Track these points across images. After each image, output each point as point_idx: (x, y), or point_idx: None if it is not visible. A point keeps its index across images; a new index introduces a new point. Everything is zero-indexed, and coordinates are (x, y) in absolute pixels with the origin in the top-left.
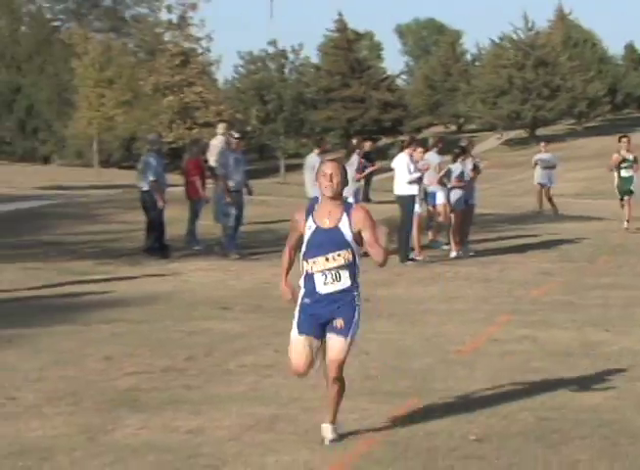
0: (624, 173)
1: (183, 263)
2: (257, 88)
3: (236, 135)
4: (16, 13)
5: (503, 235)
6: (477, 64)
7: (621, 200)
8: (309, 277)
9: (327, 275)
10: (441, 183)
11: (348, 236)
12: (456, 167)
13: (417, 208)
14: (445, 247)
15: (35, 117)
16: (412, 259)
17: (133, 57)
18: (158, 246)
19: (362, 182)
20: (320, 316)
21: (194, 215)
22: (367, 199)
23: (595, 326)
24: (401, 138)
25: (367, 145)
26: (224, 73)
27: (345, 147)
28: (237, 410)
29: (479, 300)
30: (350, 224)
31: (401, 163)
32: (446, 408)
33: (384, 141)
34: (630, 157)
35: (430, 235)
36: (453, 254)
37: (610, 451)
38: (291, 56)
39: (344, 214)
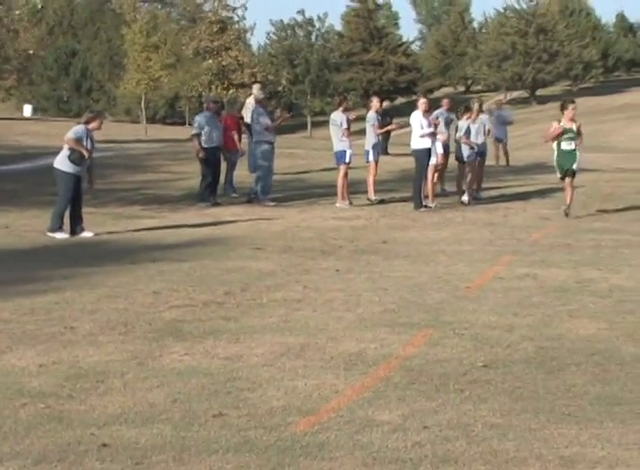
0: (566, 146)
1: (220, 209)
2: (287, 53)
3: (262, 96)
4: None
5: (506, 185)
6: (483, 31)
7: (562, 178)
8: None
9: None
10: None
11: None
12: (462, 125)
13: (433, 159)
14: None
15: (89, 78)
16: (426, 206)
17: (176, 24)
18: (207, 193)
19: (381, 137)
20: None
21: (231, 166)
22: (386, 152)
23: (589, 265)
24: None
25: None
26: (258, 40)
27: (365, 106)
28: (270, 339)
29: (484, 242)
30: None
31: (415, 119)
32: (456, 338)
33: (400, 100)
34: (573, 127)
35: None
36: (465, 198)
37: (601, 376)
38: (317, 24)
39: None
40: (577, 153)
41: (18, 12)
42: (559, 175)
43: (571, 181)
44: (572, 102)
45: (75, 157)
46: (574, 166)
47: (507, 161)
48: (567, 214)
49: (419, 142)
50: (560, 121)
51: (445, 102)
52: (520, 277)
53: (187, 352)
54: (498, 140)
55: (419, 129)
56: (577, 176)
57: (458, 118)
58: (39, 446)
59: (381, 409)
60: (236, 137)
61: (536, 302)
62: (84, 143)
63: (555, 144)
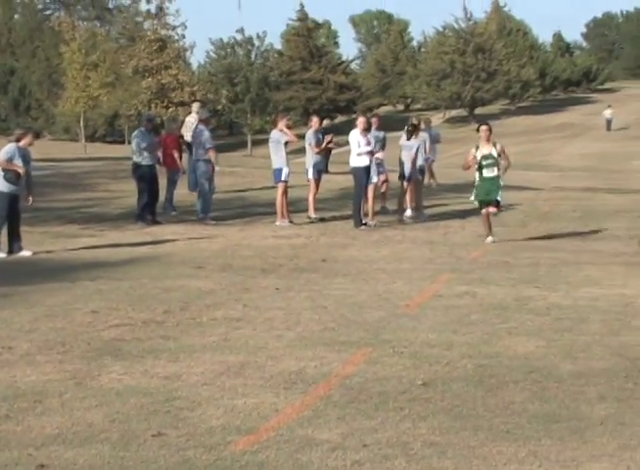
0: (487, 173)
1: (160, 228)
2: (227, 71)
3: (205, 115)
4: (10, 2)
5: (446, 203)
6: (422, 50)
7: (481, 207)
8: None
9: None
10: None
11: None
12: (412, 144)
13: (374, 178)
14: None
15: (28, 96)
16: (365, 225)
17: (116, 43)
18: (146, 213)
19: (321, 155)
20: None
21: (172, 185)
22: (326, 170)
23: (527, 283)
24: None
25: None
26: (197, 58)
27: (306, 124)
28: (209, 358)
29: (424, 260)
30: None
31: (354, 137)
32: (396, 356)
33: (339, 119)
34: (493, 151)
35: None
36: (408, 214)
37: (539, 394)
38: (256, 42)
39: None
40: (501, 181)
41: None
42: (475, 202)
43: (490, 213)
44: (485, 124)
45: (10, 176)
46: (498, 197)
47: (433, 177)
48: (494, 241)
49: (357, 160)
50: (478, 147)
51: (374, 120)
52: (459, 295)
53: (126, 372)
54: (426, 159)
55: (357, 148)
56: (517, 194)
57: (407, 138)
58: None
59: (320, 428)
60: (176, 156)
61: (475, 319)
62: (17, 161)
63: (476, 171)
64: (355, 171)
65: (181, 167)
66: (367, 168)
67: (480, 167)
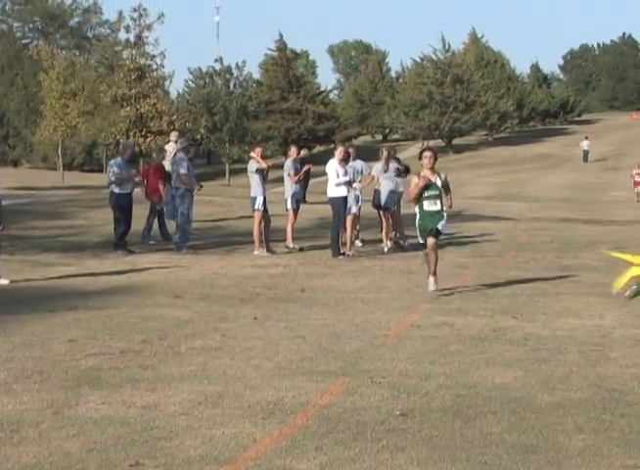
0: (429, 206)
1: (138, 257)
2: (206, 101)
3: (185, 144)
4: None
5: None
6: (400, 80)
7: (424, 244)
8: None
9: None
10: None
11: None
12: (389, 175)
13: (353, 208)
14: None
15: (6, 124)
16: (343, 254)
17: (94, 71)
18: (123, 241)
19: (299, 185)
20: None
21: (154, 214)
22: (304, 200)
23: (505, 314)
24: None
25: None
26: (176, 87)
27: (284, 154)
28: (187, 388)
29: (402, 290)
30: None
31: (332, 167)
32: (374, 387)
33: (318, 149)
34: (438, 181)
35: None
36: (386, 248)
37: (517, 425)
38: (235, 72)
39: None
40: (444, 214)
41: None
42: (420, 240)
43: (434, 244)
44: (429, 149)
45: None
46: (439, 225)
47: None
48: (437, 289)
49: (335, 190)
50: (419, 175)
51: (351, 151)
52: (437, 325)
53: (104, 401)
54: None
55: (335, 178)
56: (494, 224)
57: (385, 170)
58: None
59: (298, 458)
60: (161, 186)
61: (453, 350)
62: None
63: (417, 205)
64: (334, 201)
65: (164, 198)
66: (345, 198)
67: (421, 199)
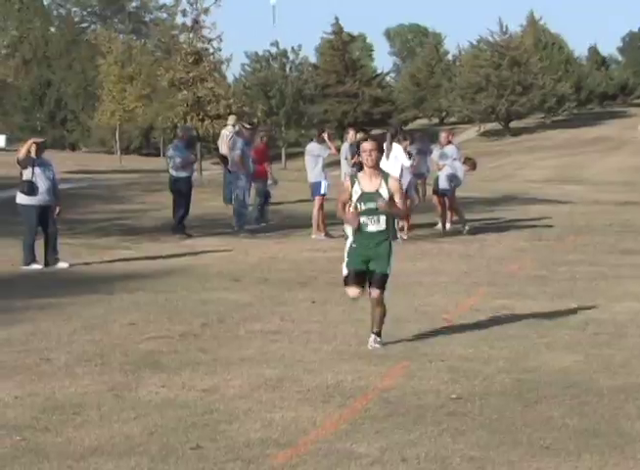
0: (370, 226)
1: (196, 240)
2: (262, 85)
3: (247, 126)
4: (47, 16)
5: (482, 216)
6: (457, 63)
7: (347, 282)
8: None
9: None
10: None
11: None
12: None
13: (411, 193)
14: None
15: (63, 108)
16: (397, 238)
17: (151, 56)
18: (182, 225)
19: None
20: None
21: (260, 196)
22: None
23: (564, 298)
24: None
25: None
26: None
27: (340, 137)
28: (246, 371)
29: (461, 273)
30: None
31: (398, 151)
32: (433, 370)
33: (374, 132)
34: (383, 189)
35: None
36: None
37: (579, 409)
38: (291, 56)
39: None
40: (389, 242)
41: None
42: (344, 271)
43: (378, 298)
44: (370, 140)
45: (24, 187)
46: (387, 269)
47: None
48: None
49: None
50: (354, 180)
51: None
52: (496, 309)
53: (164, 384)
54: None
55: (398, 162)
56: (553, 208)
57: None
58: None
59: (359, 442)
60: (266, 165)
61: (512, 333)
62: (32, 173)
63: (347, 228)
64: None
65: (271, 178)
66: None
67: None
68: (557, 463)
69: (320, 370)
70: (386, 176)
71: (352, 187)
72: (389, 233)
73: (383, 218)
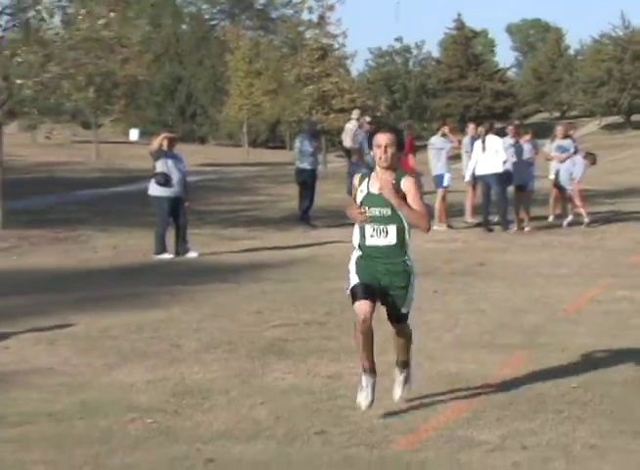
0: (374, 239)
1: (321, 231)
2: (385, 79)
3: (368, 119)
4: (178, 13)
5: (602, 208)
6: (579, 58)
7: (354, 299)
8: None
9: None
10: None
11: None
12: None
13: (530, 184)
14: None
15: (193, 103)
16: (508, 228)
17: (278, 52)
18: (306, 216)
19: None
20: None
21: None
22: None
23: None
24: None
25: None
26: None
27: (462, 130)
28: None
29: (581, 265)
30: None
31: (505, 144)
32: (553, 360)
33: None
34: (386, 191)
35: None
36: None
37: None
38: (414, 51)
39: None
40: (407, 259)
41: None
42: (347, 291)
43: (399, 328)
44: (388, 130)
45: (159, 178)
46: (405, 309)
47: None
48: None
49: (499, 166)
50: (365, 178)
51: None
52: (617, 300)
53: (289, 371)
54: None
55: (503, 154)
56: None
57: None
58: (147, 459)
59: (480, 429)
60: (410, 157)
61: (634, 324)
62: (166, 165)
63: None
64: (496, 177)
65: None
66: (506, 174)
67: (361, 228)
68: None
69: (441, 358)
70: (400, 177)
71: (360, 185)
72: (405, 252)
73: (392, 230)
